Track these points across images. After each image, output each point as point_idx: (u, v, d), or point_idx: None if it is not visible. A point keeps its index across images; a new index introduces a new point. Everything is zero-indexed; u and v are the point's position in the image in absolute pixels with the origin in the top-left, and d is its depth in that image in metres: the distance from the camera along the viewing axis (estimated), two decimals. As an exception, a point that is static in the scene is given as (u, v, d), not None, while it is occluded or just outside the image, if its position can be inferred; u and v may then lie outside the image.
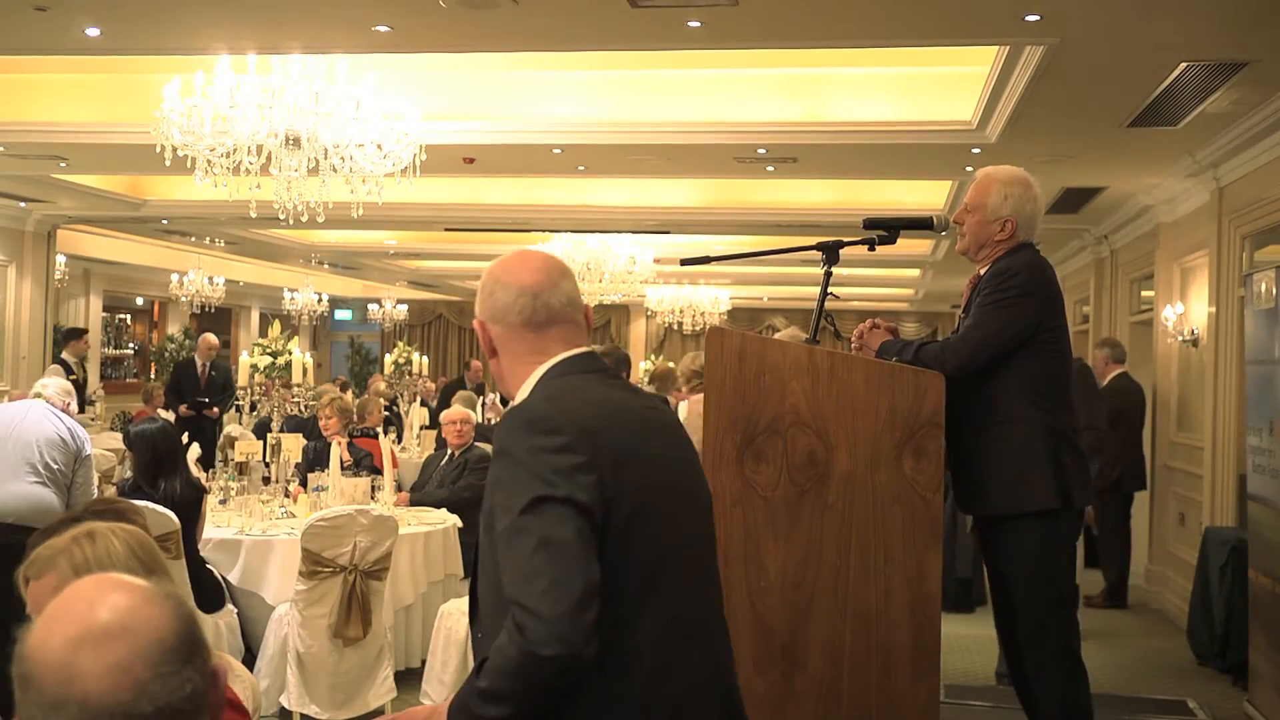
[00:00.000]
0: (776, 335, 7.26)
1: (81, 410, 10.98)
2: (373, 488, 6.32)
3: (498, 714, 1.74)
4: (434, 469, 7.28)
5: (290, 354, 11.43)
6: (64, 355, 11.26)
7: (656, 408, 2.05)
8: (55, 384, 5.75)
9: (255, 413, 10.53)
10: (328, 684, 5.07)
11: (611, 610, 1.77)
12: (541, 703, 1.74)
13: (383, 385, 13.29)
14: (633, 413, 1.96)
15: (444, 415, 7.63)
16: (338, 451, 6.50)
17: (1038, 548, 3.32)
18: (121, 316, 18.82)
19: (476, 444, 7.32)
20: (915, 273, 16.12)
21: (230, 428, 10.36)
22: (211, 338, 11.69)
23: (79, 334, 11.76)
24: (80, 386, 11.07)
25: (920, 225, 3.50)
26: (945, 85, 6.88)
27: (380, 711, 5.21)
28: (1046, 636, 3.35)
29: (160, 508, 5.00)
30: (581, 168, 8.71)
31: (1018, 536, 3.33)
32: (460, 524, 6.42)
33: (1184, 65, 5.50)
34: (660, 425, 2.00)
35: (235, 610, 5.48)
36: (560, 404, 1.88)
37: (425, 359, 16.27)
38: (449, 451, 7.30)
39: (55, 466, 5.17)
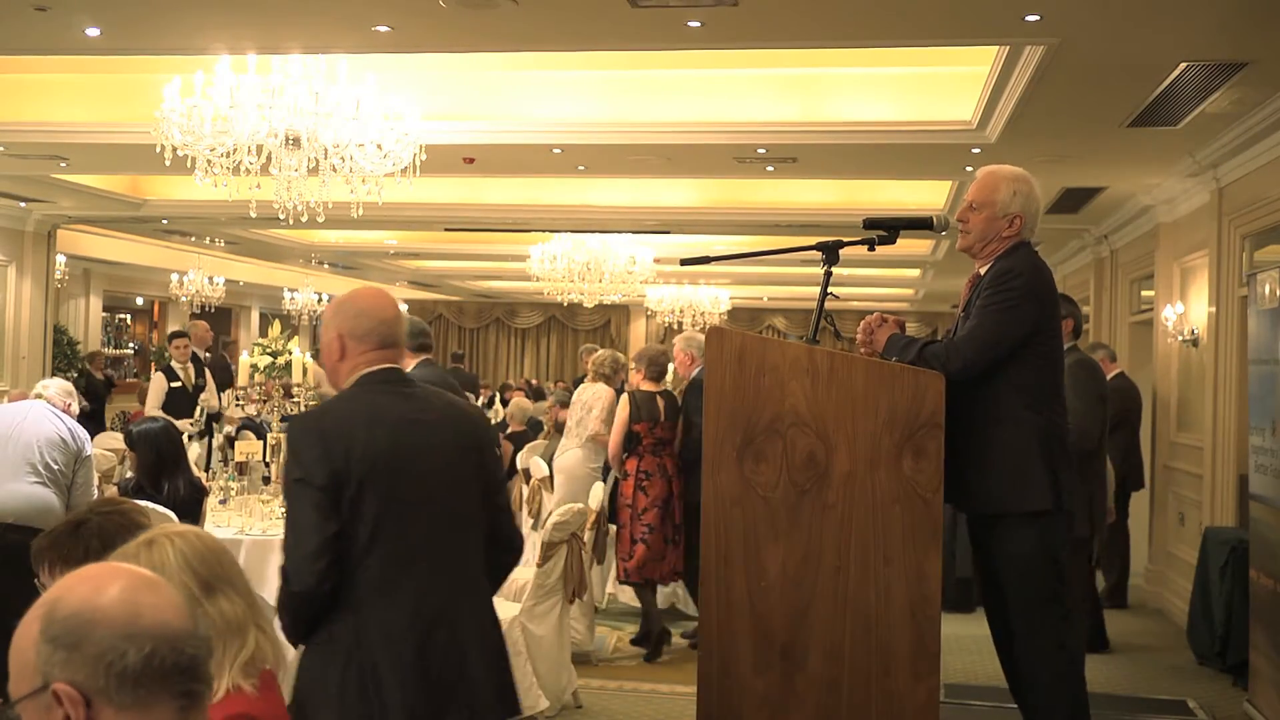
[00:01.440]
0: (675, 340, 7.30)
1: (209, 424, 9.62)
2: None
3: (284, 622, 2.55)
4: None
5: (290, 354, 11.35)
6: (171, 363, 9.84)
7: (424, 409, 2.68)
8: (56, 384, 5.74)
9: (257, 412, 10.48)
10: (328, 684, 5.06)
11: (347, 554, 2.49)
12: (301, 618, 2.53)
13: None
14: (387, 414, 2.61)
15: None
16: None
17: (1031, 547, 3.34)
18: (121, 316, 18.83)
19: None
20: (915, 273, 16.12)
21: (229, 428, 10.32)
22: (203, 324, 10.54)
23: (178, 335, 10.20)
24: (191, 394, 9.74)
25: (920, 225, 3.51)
26: (945, 85, 6.88)
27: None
28: (1040, 633, 3.37)
29: (162, 508, 4.99)
30: (581, 168, 8.71)
31: (1012, 535, 3.35)
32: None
33: (1184, 65, 5.50)
34: (417, 424, 2.64)
35: (235, 610, 5.46)
36: (325, 413, 2.68)
37: (425, 359, 16.24)
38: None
39: (55, 467, 5.16)
